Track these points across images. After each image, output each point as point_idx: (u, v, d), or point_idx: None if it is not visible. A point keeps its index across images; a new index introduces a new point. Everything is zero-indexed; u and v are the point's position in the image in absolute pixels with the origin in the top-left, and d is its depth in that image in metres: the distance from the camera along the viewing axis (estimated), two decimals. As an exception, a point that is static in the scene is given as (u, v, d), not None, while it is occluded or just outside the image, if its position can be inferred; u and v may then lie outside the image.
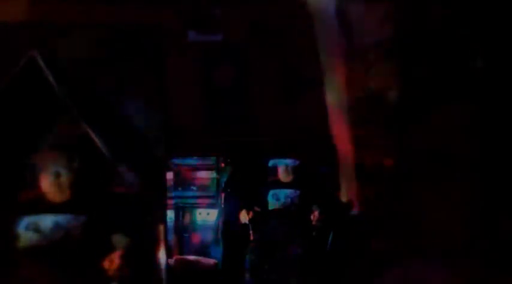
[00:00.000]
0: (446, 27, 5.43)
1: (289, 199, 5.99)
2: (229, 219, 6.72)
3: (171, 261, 6.44)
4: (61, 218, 3.29)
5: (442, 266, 5.07)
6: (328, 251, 5.93)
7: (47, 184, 3.30)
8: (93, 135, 4.99)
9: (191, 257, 6.81)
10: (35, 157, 3.36)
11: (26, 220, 3.28)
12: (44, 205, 3.31)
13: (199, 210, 7.33)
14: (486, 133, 5.34)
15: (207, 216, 7.29)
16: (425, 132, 5.43)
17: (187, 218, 7.34)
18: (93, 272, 3.30)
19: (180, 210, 7.29)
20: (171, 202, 6.97)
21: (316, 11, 5.95)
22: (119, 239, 3.37)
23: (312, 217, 5.82)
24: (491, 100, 5.36)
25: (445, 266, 5.06)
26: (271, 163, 6.13)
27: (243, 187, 6.58)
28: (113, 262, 3.28)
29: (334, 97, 6.01)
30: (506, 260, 4.98)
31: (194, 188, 7.31)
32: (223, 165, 7.20)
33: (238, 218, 6.06)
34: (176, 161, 7.14)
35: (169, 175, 7.00)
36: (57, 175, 3.29)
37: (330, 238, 5.94)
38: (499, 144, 5.34)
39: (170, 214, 6.83)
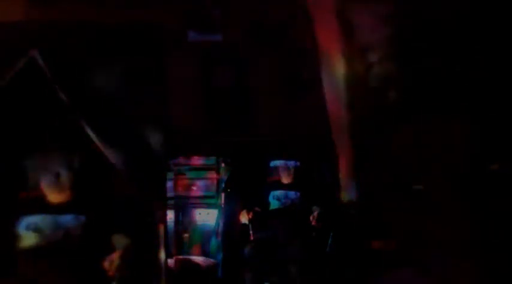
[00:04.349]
0: (447, 27, 5.43)
1: (289, 200, 5.99)
2: (229, 219, 6.72)
3: (171, 261, 6.43)
4: (61, 218, 3.29)
5: (443, 266, 5.07)
6: (328, 252, 5.93)
7: (47, 184, 3.30)
8: (93, 135, 4.98)
9: (191, 257, 6.81)
10: (35, 157, 3.36)
11: (26, 220, 3.28)
12: (44, 205, 3.32)
13: (199, 210, 7.33)
14: (486, 133, 5.34)
15: (207, 216, 7.28)
16: (426, 132, 5.43)
17: (187, 218, 7.34)
18: (93, 272, 3.30)
19: (180, 210, 7.28)
20: (171, 202, 6.96)
21: (316, 11, 5.94)
22: (119, 239, 3.37)
23: (311, 217, 5.83)
24: (492, 101, 5.36)
25: (444, 267, 5.06)
26: (272, 163, 6.14)
27: (243, 187, 6.58)
28: (113, 262, 3.28)
29: (333, 97, 6.00)
30: (503, 263, 4.99)
31: (194, 188, 7.31)
32: (223, 165, 7.19)
33: (238, 219, 6.07)
34: (176, 161, 7.13)
35: (169, 176, 6.99)
36: (57, 175, 3.29)
37: (330, 239, 5.94)
38: (499, 141, 5.34)
39: (170, 214, 6.82)
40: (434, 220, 5.27)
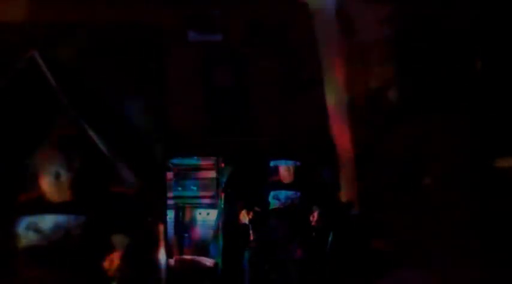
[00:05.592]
0: (446, 28, 5.43)
1: (289, 200, 5.99)
2: (229, 219, 6.71)
3: (171, 261, 6.43)
4: (61, 218, 3.29)
5: (442, 267, 5.07)
6: (328, 252, 5.93)
7: (47, 184, 3.30)
8: (93, 135, 4.99)
9: (191, 257, 6.81)
10: (35, 157, 3.36)
11: (26, 220, 3.28)
12: (44, 205, 3.31)
13: (199, 210, 7.33)
14: (486, 132, 5.34)
15: (207, 216, 7.28)
16: (425, 131, 5.43)
17: (187, 218, 7.34)
18: (93, 272, 3.30)
19: (180, 210, 7.28)
20: (171, 202, 6.97)
21: (316, 11, 5.94)
22: (119, 239, 3.37)
23: (311, 217, 5.83)
24: (491, 100, 5.36)
25: (445, 266, 5.06)
26: (272, 163, 6.14)
27: (243, 187, 6.58)
28: (113, 262, 3.27)
29: (334, 97, 6.00)
30: (504, 263, 4.99)
31: (194, 188, 7.31)
32: (223, 165, 7.19)
33: (238, 219, 6.07)
34: (176, 161, 7.14)
35: (169, 175, 6.99)
36: (57, 175, 3.29)
37: (330, 239, 5.94)
38: (499, 140, 5.34)
39: (170, 214, 6.82)
40: (435, 219, 5.27)
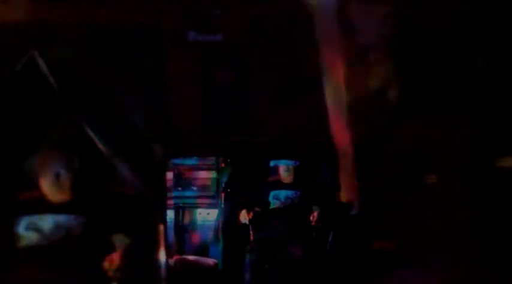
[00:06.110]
0: (447, 27, 5.43)
1: (289, 200, 5.99)
2: (229, 219, 6.72)
3: (171, 261, 6.43)
4: (61, 218, 3.29)
5: (442, 266, 5.07)
6: (328, 252, 5.93)
7: (47, 184, 3.31)
8: (93, 135, 4.99)
9: (191, 257, 6.81)
10: (35, 157, 3.37)
11: (26, 220, 3.28)
12: (44, 205, 3.32)
13: (199, 210, 7.33)
14: (487, 131, 5.35)
15: (207, 216, 7.28)
16: (425, 131, 5.43)
17: (187, 218, 7.33)
18: (93, 272, 3.30)
19: (180, 210, 7.28)
20: (171, 202, 6.96)
21: (316, 11, 5.94)
22: (119, 239, 3.37)
23: (311, 217, 5.83)
24: (491, 100, 5.36)
25: (445, 266, 5.06)
26: (272, 163, 6.14)
27: (243, 187, 6.58)
28: (112, 262, 3.28)
29: (334, 97, 6.00)
30: (505, 263, 4.99)
31: (194, 188, 7.30)
32: (223, 165, 7.19)
33: (238, 219, 6.07)
34: (176, 161, 7.13)
35: (169, 175, 6.99)
36: (57, 176, 3.30)
37: (330, 238, 5.94)
38: (498, 139, 5.35)
39: (170, 214, 6.82)
40: (436, 219, 5.27)
